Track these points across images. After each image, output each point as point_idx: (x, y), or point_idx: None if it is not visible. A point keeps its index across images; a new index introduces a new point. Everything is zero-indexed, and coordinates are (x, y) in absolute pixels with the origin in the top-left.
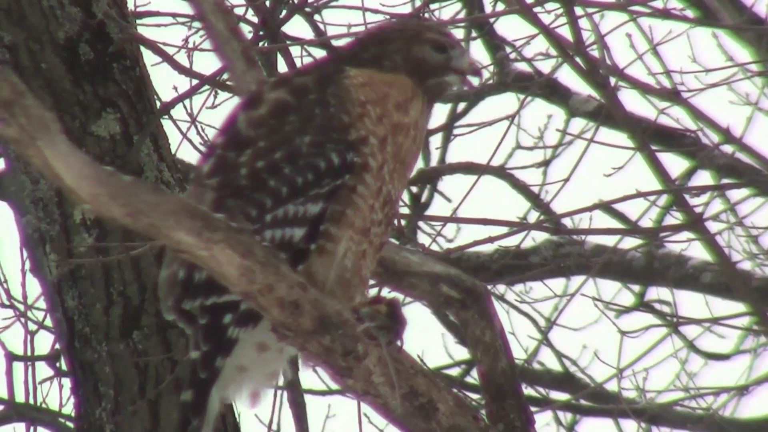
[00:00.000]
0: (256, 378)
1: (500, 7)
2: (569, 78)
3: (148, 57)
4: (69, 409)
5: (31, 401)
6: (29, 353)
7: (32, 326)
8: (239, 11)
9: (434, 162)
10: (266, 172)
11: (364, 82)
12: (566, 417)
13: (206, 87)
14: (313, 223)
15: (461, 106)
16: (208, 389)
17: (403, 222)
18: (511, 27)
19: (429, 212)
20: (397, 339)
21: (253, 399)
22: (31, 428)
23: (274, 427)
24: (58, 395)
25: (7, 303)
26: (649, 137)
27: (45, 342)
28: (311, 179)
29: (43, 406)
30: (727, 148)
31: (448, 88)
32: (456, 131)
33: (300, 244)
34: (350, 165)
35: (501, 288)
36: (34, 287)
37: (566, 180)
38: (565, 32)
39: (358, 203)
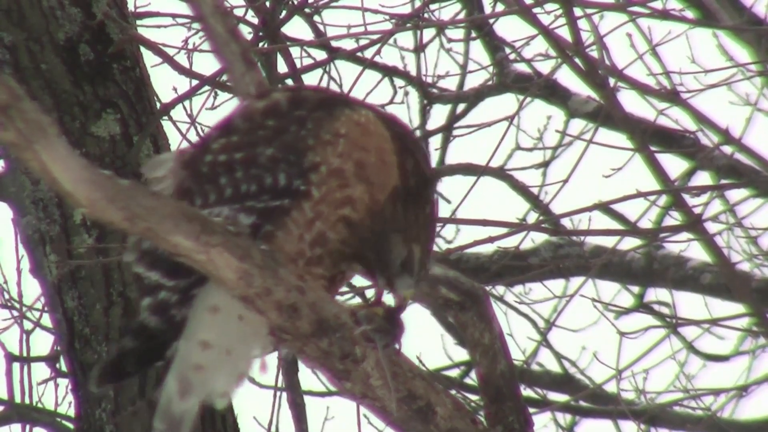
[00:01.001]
0: (217, 377)
1: (500, 7)
2: (568, 79)
3: (148, 58)
4: (65, 409)
5: (27, 401)
6: (25, 354)
7: (28, 327)
8: (239, 12)
9: (434, 163)
10: (222, 168)
11: (361, 123)
12: (565, 418)
13: (206, 88)
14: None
15: (461, 107)
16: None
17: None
18: (510, 28)
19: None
20: (394, 343)
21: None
22: (32, 429)
23: (273, 428)
24: (57, 396)
25: (8, 304)
26: (649, 138)
27: (43, 343)
28: (253, 191)
29: (39, 406)
30: (727, 149)
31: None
32: (455, 132)
33: None
34: (294, 191)
35: (500, 289)
36: (32, 288)
37: (565, 181)
38: (565, 33)
39: (289, 227)
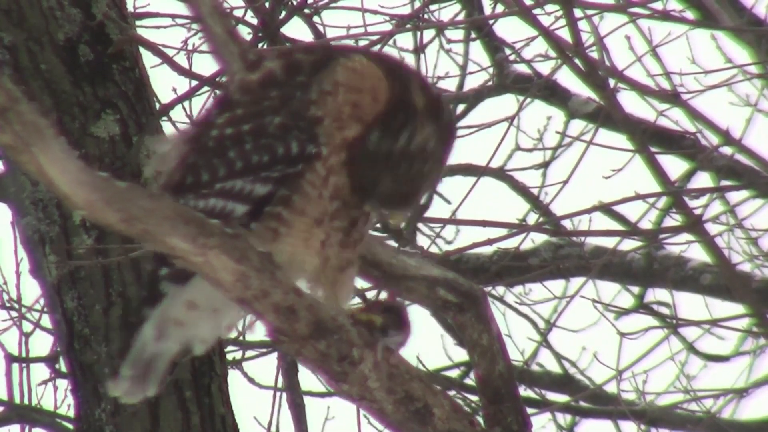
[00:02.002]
0: (199, 330)
1: (500, 8)
2: (568, 80)
3: (147, 59)
4: (64, 410)
5: (26, 402)
6: (24, 354)
7: (27, 328)
8: (239, 13)
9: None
10: (230, 141)
11: (356, 68)
12: (565, 419)
13: (205, 88)
14: (257, 203)
15: (460, 107)
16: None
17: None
18: (510, 29)
19: (428, 214)
20: (404, 344)
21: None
22: (31, 430)
23: (273, 428)
24: (57, 397)
25: (7, 305)
26: (649, 139)
27: (41, 343)
28: (266, 161)
29: (39, 407)
30: (727, 150)
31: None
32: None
33: (241, 221)
34: (307, 156)
35: (500, 289)
36: (30, 288)
37: (565, 182)
38: (565, 34)
39: (306, 190)
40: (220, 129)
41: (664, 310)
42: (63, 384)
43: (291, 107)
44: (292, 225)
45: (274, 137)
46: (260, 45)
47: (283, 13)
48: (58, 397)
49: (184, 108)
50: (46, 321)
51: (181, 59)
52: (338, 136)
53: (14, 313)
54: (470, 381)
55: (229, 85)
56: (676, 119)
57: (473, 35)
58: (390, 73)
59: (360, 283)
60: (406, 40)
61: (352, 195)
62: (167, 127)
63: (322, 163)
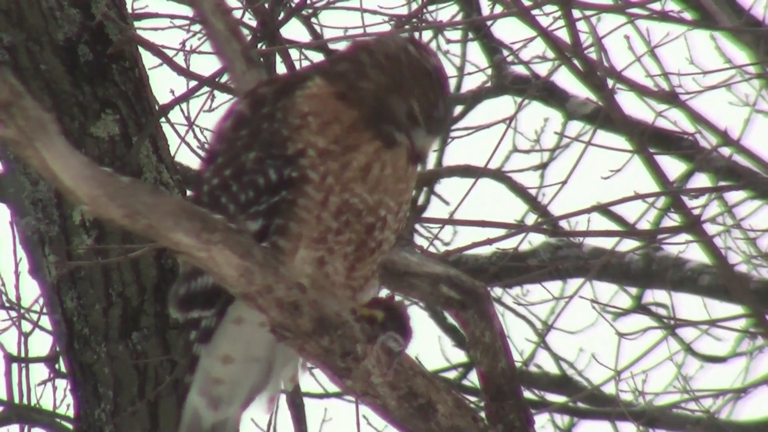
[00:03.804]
0: (248, 384)
1: (498, 9)
2: (567, 81)
3: (147, 60)
4: (63, 410)
5: (25, 402)
6: (23, 354)
7: (26, 328)
8: (237, 14)
9: (431, 165)
10: (219, 190)
11: (314, 94)
12: (563, 420)
13: (204, 90)
14: (256, 238)
15: (458, 108)
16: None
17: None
18: (508, 29)
19: (426, 215)
20: (406, 347)
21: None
22: (31, 430)
23: (272, 430)
24: (57, 397)
25: (7, 305)
26: (647, 140)
27: (40, 343)
28: (251, 196)
29: (37, 407)
30: (725, 151)
31: (395, 143)
32: (453, 134)
33: None
34: (287, 181)
35: (498, 291)
36: (29, 289)
37: (564, 182)
38: (563, 34)
39: (300, 215)
40: (209, 183)
41: (662, 311)
42: (62, 384)
43: (261, 139)
44: (287, 251)
45: (254, 171)
46: (259, 46)
47: (282, 14)
48: (57, 397)
49: (182, 110)
50: (45, 321)
51: (180, 61)
52: (326, 162)
53: (13, 314)
54: (469, 382)
55: (232, 94)
56: (674, 120)
57: (471, 36)
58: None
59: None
60: None
61: (371, 126)
62: (166, 128)
63: (315, 187)
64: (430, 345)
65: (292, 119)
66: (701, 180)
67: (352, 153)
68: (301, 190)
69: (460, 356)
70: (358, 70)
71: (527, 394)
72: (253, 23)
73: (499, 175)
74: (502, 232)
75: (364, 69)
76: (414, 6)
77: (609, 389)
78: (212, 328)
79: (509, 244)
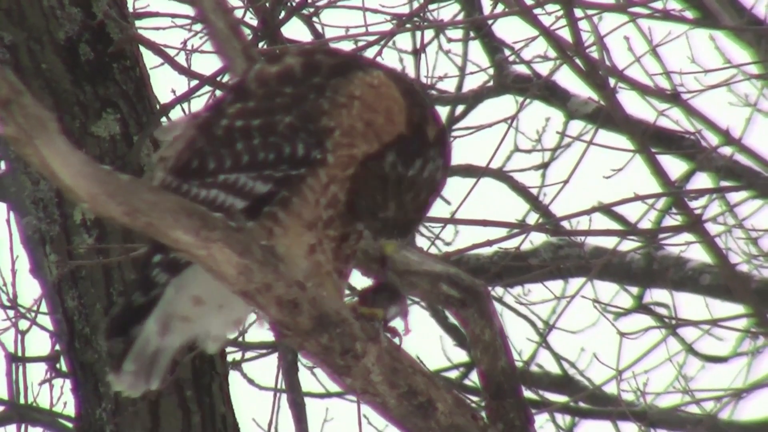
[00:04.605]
0: (207, 326)
1: (499, 8)
2: (568, 80)
3: (148, 60)
4: (60, 408)
5: (22, 401)
6: (21, 353)
7: (23, 327)
8: (238, 13)
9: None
10: (239, 133)
11: (374, 85)
12: (565, 419)
13: (205, 89)
14: (257, 200)
15: (459, 108)
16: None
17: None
18: (509, 29)
19: (427, 214)
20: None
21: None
22: (31, 429)
23: (273, 430)
24: (57, 397)
25: (7, 304)
26: (649, 139)
27: (41, 343)
28: (270, 159)
29: (38, 406)
30: (727, 150)
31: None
32: (454, 133)
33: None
34: (311, 160)
35: (499, 290)
36: (30, 288)
37: (565, 182)
38: (565, 34)
39: (305, 194)
40: (231, 119)
41: (663, 311)
42: (59, 383)
43: (302, 108)
44: (286, 226)
45: (283, 136)
46: (260, 45)
47: (283, 13)
48: (58, 396)
49: (183, 110)
50: (44, 320)
51: (181, 60)
52: (346, 149)
53: (12, 313)
54: (469, 382)
55: (245, 72)
56: (676, 119)
57: (472, 35)
58: (408, 95)
59: (361, 279)
60: (404, 40)
61: (347, 210)
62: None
63: (326, 170)
64: (431, 344)
65: (340, 97)
66: (702, 179)
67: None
68: (314, 171)
69: (461, 356)
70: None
71: (528, 394)
72: (254, 22)
73: (501, 175)
74: (503, 231)
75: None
76: (415, 5)
77: (610, 389)
78: (182, 264)
79: (511, 243)
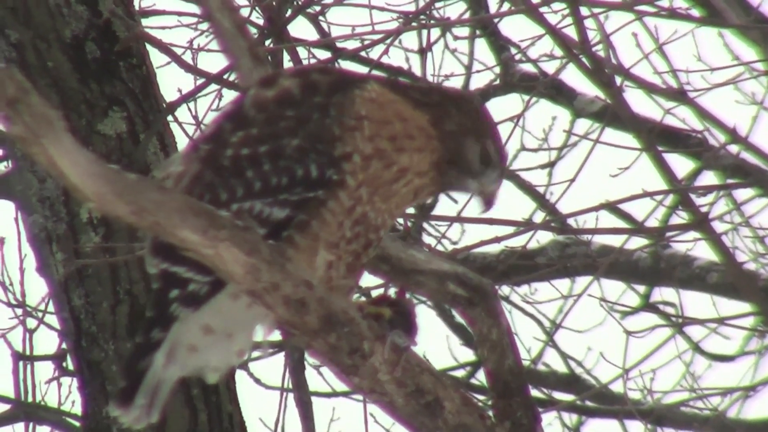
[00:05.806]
0: (211, 356)
1: (506, 6)
2: (574, 78)
3: (154, 58)
4: (67, 407)
5: (29, 399)
6: (28, 352)
7: (31, 326)
8: (245, 12)
9: None
10: (247, 161)
11: (374, 99)
12: (571, 418)
13: (212, 87)
14: (275, 227)
15: None
16: (143, 355)
17: (408, 223)
18: (516, 27)
19: (434, 213)
20: (412, 343)
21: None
22: (38, 428)
23: (280, 429)
24: (64, 395)
25: (14, 302)
26: (655, 137)
27: (47, 341)
28: (285, 183)
29: (44, 405)
30: (734, 148)
31: (458, 190)
32: None
33: None
34: (327, 181)
35: (506, 289)
36: (37, 287)
37: (572, 180)
38: (571, 32)
39: (325, 217)
40: (236, 148)
41: (670, 310)
42: (67, 381)
43: (308, 129)
44: (301, 248)
45: (293, 159)
46: (266, 44)
47: (289, 12)
48: (65, 395)
49: (189, 109)
50: (51, 319)
51: (187, 59)
52: (388, 173)
53: (19, 311)
54: (476, 381)
55: (240, 91)
56: (682, 117)
57: (479, 33)
58: (402, 90)
59: (370, 279)
60: (410, 39)
61: (445, 169)
62: (174, 126)
63: (348, 194)
64: (438, 344)
65: (348, 119)
66: (709, 178)
67: (398, 155)
68: (334, 194)
69: (468, 355)
70: (443, 109)
71: (535, 393)
72: (261, 21)
73: (507, 173)
74: (510, 230)
75: (448, 109)
76: (422, 3)
77: (617, 387)
78: (202, 296)
79: (517, 242)
